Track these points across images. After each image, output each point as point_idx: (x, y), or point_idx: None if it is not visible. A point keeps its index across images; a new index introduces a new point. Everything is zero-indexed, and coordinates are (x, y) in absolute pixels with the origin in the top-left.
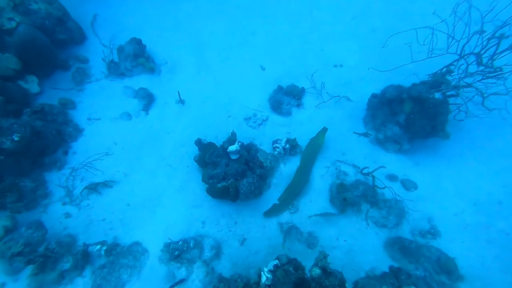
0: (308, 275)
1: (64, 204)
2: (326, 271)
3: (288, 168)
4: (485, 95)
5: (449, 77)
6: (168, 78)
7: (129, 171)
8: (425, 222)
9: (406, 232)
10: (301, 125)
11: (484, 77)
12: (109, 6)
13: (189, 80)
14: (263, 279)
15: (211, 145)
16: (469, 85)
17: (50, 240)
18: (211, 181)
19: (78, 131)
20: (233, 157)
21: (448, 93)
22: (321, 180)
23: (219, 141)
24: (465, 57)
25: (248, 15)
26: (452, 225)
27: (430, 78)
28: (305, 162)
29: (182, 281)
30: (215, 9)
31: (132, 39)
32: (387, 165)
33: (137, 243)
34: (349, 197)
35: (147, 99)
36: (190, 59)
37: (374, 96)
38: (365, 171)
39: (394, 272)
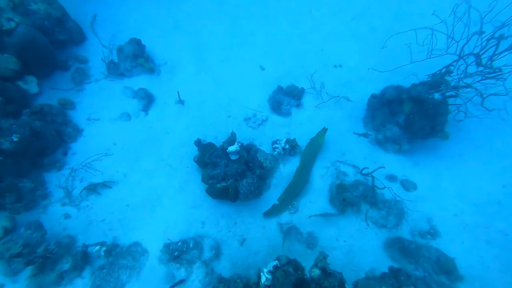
0: (308, 275)
1: (63, 204)
2: (326, 272)
3: (287, 169)
4: (484, 95)
5: (448, 78)
6: (168, 79)
7: (129, 171)
8: (424, 222)
9: (406, 232)
10: (300, 125)
11: (484, 78)
12: (108, 6)
13: (189, 81)
14: (263, 279)
15: (210, 145)
16: (468, 86)
17: (50, 241)
18: (210, 181)
19: (78, 131)
20: (233, 157)
21: (448, 94)
22: (320, 180)
23: (218, 141)
24: (465, 57)
25: (248, 15)
26: (451, 226)
27: (429, 79)
28: (305, 163)
29: (181, 281)
30: (215, 9)
31: (131, 40)
32: (387, 165)
33: (136, 244)
34: (349, 197)
35: (147, 100)
36: (190, 59)
37: (373, 96)
38: (364, 171)
39: (394, 273)
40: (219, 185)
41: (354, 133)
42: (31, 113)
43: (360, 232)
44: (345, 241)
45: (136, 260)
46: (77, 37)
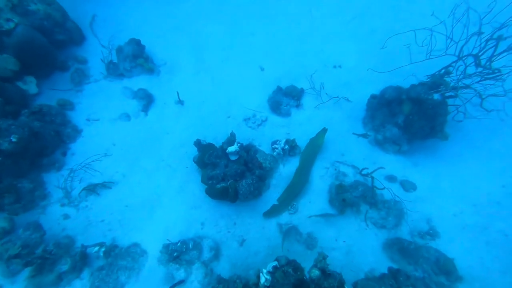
0: (307, 276)
1: (62, 205)
2: (325, 273)
3: (287, 169)
4: (483, 96)
5: (447, 78)
6: (167, 79)
7: (128, 172)
8: (424, 223)
9: (405, 233)
10: (300, 125)
11: (483, 79)
12: (108, 7)
13: (188, 81)
14: (262, 280)
15: (210, 146)
16: (467, 87)
17: (48, 241)
18: (210, 182)
19: (77, 132)
20: (232, 158)
21: (447, 94)
22: (320, 180)
23: (218, 141)
24: (464, 58)
25: (248, 15)
26: (451, 226)
27: (428, 79)
28: (304, 163)
29: (181, 282)
30: (215, 9)
31: (131, 40)
32: (386, 166)
33: (135, 245)
34: (348, 198)
35: (146, 100)
36: (190, 60)
37: (373, 97)
38: (364, 172)
39: (393, 274)
40: (218, 186)
41: (353, 133)
42: (30, 114)
43: (360, 233)
44: (344, 241)
45: (135, 261)
46: (76, 37)
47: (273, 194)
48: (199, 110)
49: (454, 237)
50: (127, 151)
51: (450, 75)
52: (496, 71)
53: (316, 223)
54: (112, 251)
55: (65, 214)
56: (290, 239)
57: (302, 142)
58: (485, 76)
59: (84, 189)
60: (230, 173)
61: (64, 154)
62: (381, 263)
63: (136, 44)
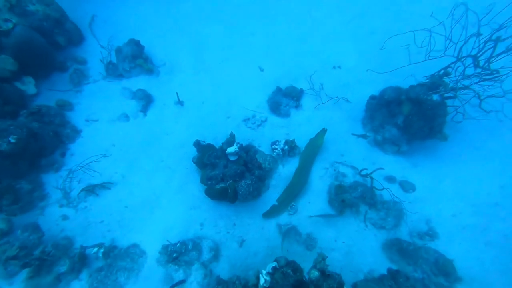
0: (307, 277)
1: (61, 206)
2: (325, 273)
3: (286, 170)
4: (482, 97)
5: (446, 79)
6: (167, 79)
7: (127, 172)
8: (423, 223)
9: (404, 233)
10: (299, 126)
11: (481, 80)
12: (107, 7)
13: (188, 81)
14: (261, 281)
15: (209, 146)
16: (466, 87)
17: (47, 242)
18: (209, 182)
19: (76, 132)
20: (232, 158)
21: (446, 95)
22: (319, 181)
23: (218, 142)
24: (462, 59)
25: (247, 16)
26: (450, 227)
27: (428, 80)
28: (304, 163)
29: (182, 281)
30: (214, 9)
31: (130, 40)
32: (386, 166)
33: (135, 245)
34: (348, 198)
35: (145, 100)
36: (189, 60)
37: (372, 97)
38: (363, 172)
39: (393, 275)
40: (218, 186)
41: (353, 134)
42: (29, 114)
43: (359, 233)
44: (343, 242)
45: (135, 262)
46: (75, 38)
47: (272, 194)
48: (198, 111)
49: (453, 238)
50: (126, 151)
51: (449, 76)
52: (494, 72)
53: (316, 223)
54: (111, 252)
55: (64, 215)
56: (290, 240)
57: (301, 143)
58: (484, 77)
59: (83, 189)
60: (230, 174)
61: (63, 154)
62: (380, 264)
63: (135, 44)
